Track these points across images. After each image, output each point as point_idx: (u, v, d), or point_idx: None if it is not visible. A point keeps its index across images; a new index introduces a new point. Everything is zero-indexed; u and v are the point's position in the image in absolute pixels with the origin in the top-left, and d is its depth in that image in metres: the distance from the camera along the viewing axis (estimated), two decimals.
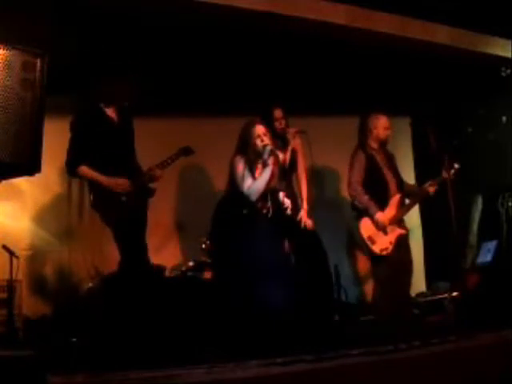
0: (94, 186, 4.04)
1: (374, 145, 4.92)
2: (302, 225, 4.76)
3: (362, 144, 4.93)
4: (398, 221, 4.83)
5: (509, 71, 5.77)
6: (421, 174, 6.41)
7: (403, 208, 4.89)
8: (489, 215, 5.86)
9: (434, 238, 6.35)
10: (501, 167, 5.86)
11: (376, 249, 4.73)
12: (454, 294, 5.16)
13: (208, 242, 4.83)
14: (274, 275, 4.09)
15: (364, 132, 4.95)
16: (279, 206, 4.30)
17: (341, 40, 5.09)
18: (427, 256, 6.53)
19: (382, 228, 4.73)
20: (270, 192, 4.27)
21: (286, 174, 4.82)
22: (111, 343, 3.67)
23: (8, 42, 2.59)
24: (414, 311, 5.39)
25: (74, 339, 4.12)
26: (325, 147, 5.79)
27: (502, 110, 5.96)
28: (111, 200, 3.98)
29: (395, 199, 4.84)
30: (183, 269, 5.00)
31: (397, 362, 2.65)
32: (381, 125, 4.91)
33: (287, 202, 4.34)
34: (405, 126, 6.52)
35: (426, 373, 2.57)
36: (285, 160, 4.74)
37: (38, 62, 2.66)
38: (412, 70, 5.56)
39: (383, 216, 4.73)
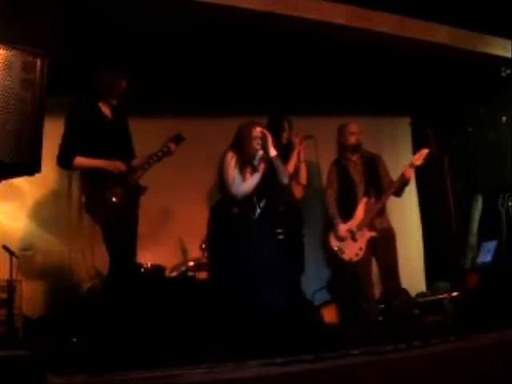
0: (86, 187, 4.05)
1: (348, 153, 5.08)
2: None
3: (338, 156, 5.15)
4: (371, 223, 4.91)
5: (509, 71, 5.77)
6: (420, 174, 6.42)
7: (376, 207, 4.93)
8: (489, 215, 5.86)
9: (434, 238, 6.35)
10: (501, 167, 5.86)
11: (346, 257, 4.90)
12: (454, 294, 5.17)
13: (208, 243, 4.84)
14: (268, 274, 4.11)
15: (338, 143, 5.15)
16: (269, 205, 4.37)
17: (341, 40, 5.09)
18: (427, 256, 6.53)
19: (345, 239, 4.89)
20: (258, 193, 4.31)
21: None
22: (111, 343, 3.67)
23: (8, 42, 2.58)
24: (414, 311, 5.40)
25: (74, 339, 4.12)
26: (324, 147, 5.79)
27: (502, 110, 5.95)
28: (102, 201, 3.97)
29: (362, 203, 4.95)
30: (183, 269, 5.01)
31: (397, 362, 2.64)
32: (348, 131, 5.07)
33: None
34: (405, 126, 6.52)
35: (426, 373, 2.57)
36: (289, 167, 4.86)
37: (38, 61, 2.66)
38: (412, 69, 5.56)
39: (344, 228, 4.90)
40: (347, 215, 4.96)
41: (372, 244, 4.89)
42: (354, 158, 5.08)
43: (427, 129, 5.06)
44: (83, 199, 4.06)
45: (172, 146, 4.21)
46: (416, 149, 6.62)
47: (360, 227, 4.88)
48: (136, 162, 4.21)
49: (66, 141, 4.01)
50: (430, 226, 6.52)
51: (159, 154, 4.16)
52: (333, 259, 5.11)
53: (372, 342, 3.44)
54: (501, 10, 5.05)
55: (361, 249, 4.87)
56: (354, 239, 4.89)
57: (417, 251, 6.55)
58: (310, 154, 5.17)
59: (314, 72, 5.38)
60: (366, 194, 4.98)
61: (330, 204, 5.04)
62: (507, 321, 3.50)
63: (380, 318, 5.05)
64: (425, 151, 4.88)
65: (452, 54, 5.48)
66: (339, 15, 4.93)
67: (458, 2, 4.91)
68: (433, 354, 2.83)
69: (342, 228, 4.91)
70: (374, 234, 4.89)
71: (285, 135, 5.06)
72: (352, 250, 4.88)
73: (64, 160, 4.01)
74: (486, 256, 5.52)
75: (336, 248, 4.92)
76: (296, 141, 5.03)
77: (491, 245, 5.52)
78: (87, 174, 4.06)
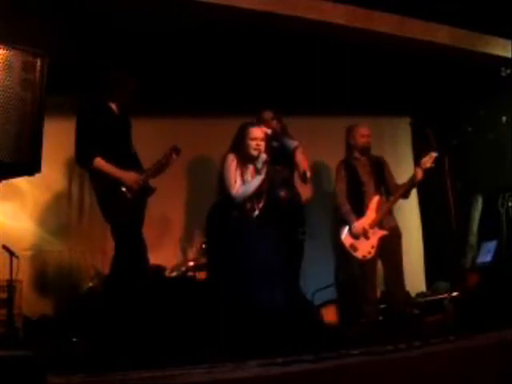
0: (99, 179, 4.05)
1: (356, 154, 5.07)
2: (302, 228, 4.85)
3: (346, 156, 5.11)
4: (381, 222, 4.89)
5: (509, 71, 5.77)
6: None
7: (384, 206, 4.92)
8: (489, 215, 5.86)
9: (434, 238, 6.35)
10: (501, 167, 5.86)
11: (359, 255, 4.86)
12: (454, 294, 5.17)
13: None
14: (267, 275, 4.11)
15: (346, 143, 5.12)
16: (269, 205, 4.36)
17: (341, 40, 5.09)
18: (427, 256, 6.53)
19: (358, 236, 4.84)
20: (258, 193, 4.32)
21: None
22: (111, 343, 3.67)
23: (8, 42, 2.58)
24: (414, 311, 5.40)
25: (74, 339, 4.12)
26: (324, 147, 5.80)
27: (502, 110, 5.95)
28: (115, 195, 4.01)
29: (373, 202, 4.94)
30: (183, 269, 5.01)
31: (397, 362, 2.64)
32: (358, 133, 5.07)
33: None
34: (405, 126, 6.52)
35: (426, 373, 2.57)
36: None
37: (38, 62, 2.66)
38: (412, 69, 5.56)
39: (359, 224, 4.86)
40: (356, 213, 4.92)
41: (382, 244, 4.87)
42: (362, 158, 5.07)
43: (426, 128, 5.06)
44: (96, 190, 4.08)
45: (174, 156, 4.24)
46: (416, 149, 6.66)
47: (372, 225, 4.87)
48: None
49: (83, 140, 4.04)
50: (429, 226, 6.52)
51: (163, 161, 4.22)
52: (341, 257, 5.07)
53: (372, 342, 3.44)
54: (501, 10, 5.05)
55: (373, 247, 4.85)
56: (366, 237, 4.86)
57: (417, 251, 6.55)
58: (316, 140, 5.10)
59: (314, 72, 5.38)
60: (377, 192, 4.97)
61: (343, 201, 4.98)
62: (507, 321, 3.50)
63: (380, 318, 5.05)
64: (434, 154, 4.87)
65: (452, 54, 5.48)
66: (339, 15, 4.93)
67: (458, 2, 4.91)
68: (433, 354, 2.83)
69: (358, 225, 4.88)
70: (385, 232, 4.88)
71: (267, 126, 4.69)
72: (365, 248, 4.85)
73: (84, 159, 4.05)
74: (485, 256, 5.52)
75: (349, 245, 4.87)
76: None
77: (491, 245, 5.52)
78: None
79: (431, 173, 4.97)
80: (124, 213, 4.01)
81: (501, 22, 5.30)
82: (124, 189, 4.02)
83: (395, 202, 5.03)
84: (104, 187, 4.04)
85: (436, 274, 6.21)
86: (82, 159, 4.06)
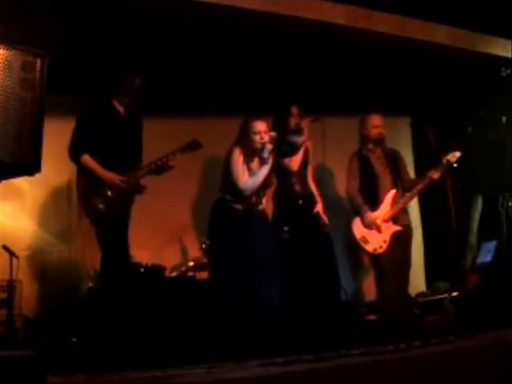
0: (83, 179, 4.12)
1: (370, 145, 4.98)
2: (323, 220, 4.81)
3: (360, 147, 5.03)
4: (395, 217, 4.82)
5: (509, 71, 5.77)
6: (421, 174, 6.41)
7: (400, 202, 4.87)
8: (489, 215, 5.86)
9: (434, 238, 6.35)
10: (501, 167, 5.86)
11: (369, 248, 4.78)
12: (454, 294, 5.16)
13: (208, 242, 4.84)
14: (271, 271, 4.11)
15: (359, 134, 5.03)
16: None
17: (341, 40, 5.09)
18: (427, 256, 6.53)
19: (371, 227, 4.75)
20: (264, 187, 4.32)
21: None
22: (111, 343, 3.67)
23: (8, 42, 2.59)
24: (413, 311, 5.40)
25: (74, 339, 4.12)
26: (325, 147, 5.80)
27: (502, 110, 5.95)
28: (98, 194, 4.06)
29: (389, 196, 4.84)
30: (183, 269, 5.01)
31: (397, 361, 2.65)
32: (370, 124, 4.97)
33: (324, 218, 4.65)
34: (405, 126, 6.52)
35: (426, 373, 2.57)
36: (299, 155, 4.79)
37: (38, 62, 2.66)
38: (412, 69, 5.56)
39: (372, 216, 4.77)
40: (370, 206, 4.83)
41: (394, 240, 4.78)
42: (377, 150, 4.99)
43: (427, 128, 5.06)
44: (79, 191, 4.15)
45: (188, 149, 4.26)
46: (416, 149, 6.67)
47: (386, 219, 4.76)
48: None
49: (76, 136, 4.13)
50: (430, 226, 6.51)
51: (158, 162, 4.21)
52: (352, 250, 5.02)
53: (372, 342, 3.45)
54: (501, 10, 5.05)
55: (385, 241, 4.74)
56: (378, 230, 4.75)
57: (417, 251, 6.54)
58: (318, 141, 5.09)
59: (314, 72, 5.38)
60: (394, 186, 4.89)
61: (354, 194, 4.88)
62: (507, 321, 3.51)
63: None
64: (457, 153, 4.80)
65: (452, 53, 5.48)
66: (339, 15, 4.93)
67: (458, 2, 4.91)
68: (433, 354, 2.83)
69: (370, 216, 4.76)
70: (399, 228, 4.78)
71: (293, 120, 4.86)
72: (377, 242, 4.74)
73: (73, 155, 4.13)
74: (485, 256, 5.52)
75: (360, 238, 4.77)
76: (304, 126, 4.85)
77: (491, 245, 5.52)
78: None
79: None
80: (103, 210, 4.05)
81: (501, 22, 5.30)
82: (106, 188, 4.06)
83: (412, 198, 4.96)
84: (87, 184, 4.09)
85: (436, 274, 6.20)
86: (71, 153, 4.14)
